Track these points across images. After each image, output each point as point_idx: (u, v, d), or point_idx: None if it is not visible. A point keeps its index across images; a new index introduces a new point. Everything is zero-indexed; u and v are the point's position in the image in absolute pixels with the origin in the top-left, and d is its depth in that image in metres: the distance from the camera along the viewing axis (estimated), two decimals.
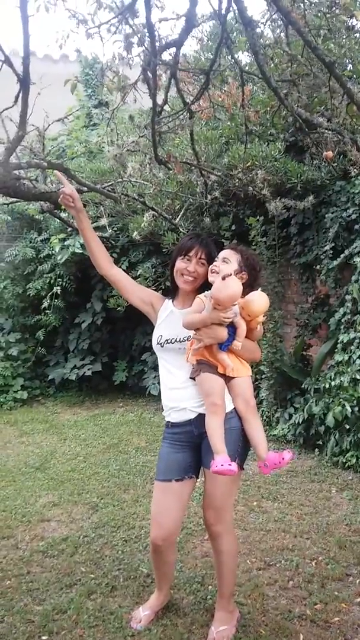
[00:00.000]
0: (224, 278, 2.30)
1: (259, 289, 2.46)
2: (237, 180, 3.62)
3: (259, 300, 2.40)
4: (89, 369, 7.49)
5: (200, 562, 3.30)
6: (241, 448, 2.51)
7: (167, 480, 2.57)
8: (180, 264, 2.58)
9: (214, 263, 2.47)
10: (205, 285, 2.53)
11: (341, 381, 4.69)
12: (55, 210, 3.77)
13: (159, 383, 7.05)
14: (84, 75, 9.11)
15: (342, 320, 4.98)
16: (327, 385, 4.87)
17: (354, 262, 4.81)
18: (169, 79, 3.00)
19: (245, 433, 2.49)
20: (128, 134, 4.27)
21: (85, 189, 3.55)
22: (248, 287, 2.43)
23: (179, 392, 2.55)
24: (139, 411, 6.95)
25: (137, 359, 7.71)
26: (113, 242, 6.68)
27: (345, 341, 4.81)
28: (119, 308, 6.03)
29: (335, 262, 4.99)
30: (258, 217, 5.24)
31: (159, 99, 3.24)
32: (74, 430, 6.24)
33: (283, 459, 2.40)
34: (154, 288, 6.23)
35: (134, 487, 4.51)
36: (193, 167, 3.41)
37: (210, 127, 5.18)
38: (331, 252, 5.05)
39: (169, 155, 2.90)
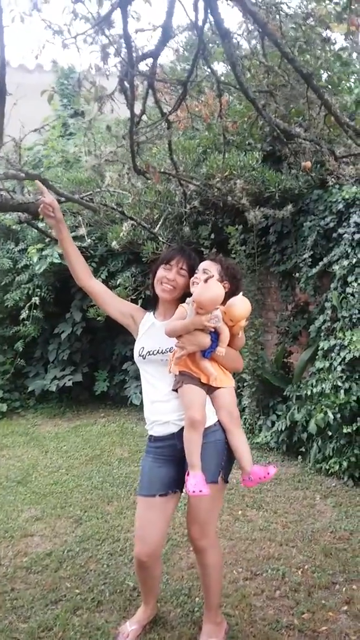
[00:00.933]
0: (206, 280, 2.30)
1: (241, 293, 2.46)
2: (215, 189, 3.63)
3: (241, 304, 2.40)
4: (69, 380, 7.42)
5: (186, 573, 3.28)
6: (225, 462, 2.50)
7: (151, 496, 2.54)
8: (160, 272, 2.57)
9: (195, 275, 2.46)
10: (186, 297, 2.54)
11: (322, 388, 4.71)
12: (33, 221, 3.75)
13: (140, 393, 7.03)
14: (59, 85, 9.09)
15: (322, 327, 5.01)
16: (308, 392, 4.89)
17: (332, 270, 4.85)
18: (146, 90, 3.01)
19: (229, 445, 2.49)
20: (105, 143, 4.26)
21: (63, 199, 3.53)
22: (231, 296, 2.43)
23: (161, 405, 2.53)
24: (120, 421, 6.90)
25: (118, 368, 7.67)
26: (92, 252, 6.65)
27: (325, 348, 4.84)
28: (99, 318, 5.99)
29: (314, 270, 5.03)
30: (237, 226, 5.25)
31: (137, 109, 3.25)
32: (55, 442, 6.17)
33: (268, 473, 2.40)
34: (134, 297, 6.22)
35: (117, 499, 4.47)
36: (171, 177, 3.41)
37: (187, 137, 5.20)
38: (310, 260, 5.08)
39: (147, 165, 2.89)
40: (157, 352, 2.54)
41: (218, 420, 2.48)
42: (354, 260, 4.65)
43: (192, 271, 2.54)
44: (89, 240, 5.36)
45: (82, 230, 4.96)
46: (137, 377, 7.24)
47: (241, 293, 2.46)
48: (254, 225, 5.54)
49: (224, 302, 2.38)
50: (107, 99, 3.15)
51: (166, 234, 5.34)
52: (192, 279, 2.47)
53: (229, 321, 2.40)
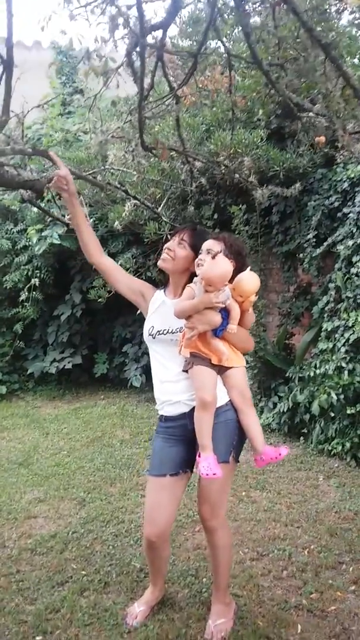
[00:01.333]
0: (213, 257, 2.25)
1: (248, 268, 2.41)
2: (223, 167, 3.55)
3: (250, 278, 2.35)
4: (69, 362, 7.39)
5: (192, 554, 3.27)
6: (237, 441, 2.47)
7: (162, 475, 2.52)
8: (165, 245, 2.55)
9: (199, 256, 2.41)
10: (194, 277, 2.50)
11: (326, 369, 4.69)
12: (37, 200, 3.67)
13: (141, 375, 7.04)
14: (59, 62, 8.92)
15: (326, 308, 4.98)
16: (311, 374, 4.87)
17: (337, 250, 4.80)
18: (155, 63, 2.92)
19: (240, 425, 2.46)
20: (108, 120, 4.18)
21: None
22: (237, 273, 2.38)
23: (172, 385, 2.50)
24: (121, 403, 6.88)
25: (117, 350, 7.63)
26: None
27: (329, 329, 4.81)
28: (99, 299, 5.93)
29: (318, 251, 4.98)
30: (240, 206, 5.19)
31: (145, 84, 3.17)
32: (56, 425, 6.15)
33: (280, 454, 2.38)
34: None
35: (120, 480, 4.46)
36: (179, 154, 3.34)
37: (190, 114, 5.10)
38: (314, 240, 5.03)
39: (156, 141, 2.82)
40: (167, 331, 2.50)
41: (229, 400, 2.45)
42: (359, 240, 4.60)
43: (194, 247, 2.48)
44: (91, 220, 5.27)
45: (85, 210, 4.88)
46: (137, 360, 7.22)
47: (249, 268, 2.41)
48: (257, 205, 5.49)
49: (230, 280, 2.34)
50: (113, 73, 3.08)
51: (169, 214, 5.27)
52: (196, 260, 2.42)
53: (238, 297, 2.35)
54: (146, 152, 3.22)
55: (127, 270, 6.17)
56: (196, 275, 2.45)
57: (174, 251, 2.51)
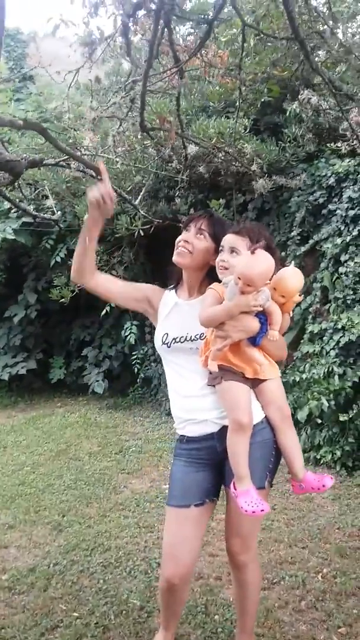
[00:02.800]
0: (253, 251, 1.90)
1: (292, 263, 2.07)
2: (223, 153, 3.22)
3: (295, 275, 2.00)
4: (22, 367, 6.86)
5: (196, 586, 2.91)
6: (273, 464, 2.12)
7: (185, 506, 2.12)
8: (180, 235, 2.16)
9: (220, 256, 2.05)
10: (211, 274, 2.14)
11: (313, 374, 4.45)
12: (10, 184, 3.22)
13: (103, 380, 6.59)
14: (5, 47, 8.34)
15: (310, 309, 4.74)
16: (297, 379, 4.62)
17: (323, 248, 4.57)
18: (161, 29, 2.55)
19: (277, 445, 2.12)
20: (84, 101, 3.77)
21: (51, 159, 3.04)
22: None
23: (196, 400, 2.11)
24: (81, 411, 6.43)
25: (75, 354, 7.17)
26: (60, 226, 6.06)
27: (315, 331, 4.57)
28: (62, 300, 5.46)
29: (303, 249, 4.74)
30: (220, 200, 4.87)
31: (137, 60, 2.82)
32: (13, 436, 5.64)
33: (324, 486, 2.05)
34: None
35: (97, 499, 4.04)
36: (179, 137, 2.98)
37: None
38: (298, 238, 4.79)
39: (162, 119, 2.44)
40: (185, 339, 2.12)
41: (265, 417, 2.11)
42: (348, 238, 4.38)
43: (215, 237, 2.13)
44: (59, 212, 4.81)
45: (51, 201, 4.43)
46: (98, 364, 6.78)
47: (292, 263, 2.08)
48: (233, 201, 5.21)
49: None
50: (112, 37, 2.70)
51: (141, 208, 4.89)
52: (217, 260, 2.06)
53: (280, 298, 1.99)
54: (143, 132, 2.85)
55: None
56: (213, 271, 2.11)
57: (192, 243, 2.14)
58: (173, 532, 2.15)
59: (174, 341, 2.14)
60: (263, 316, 1.97)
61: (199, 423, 2.11)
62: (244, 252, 1.98)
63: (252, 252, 1.88)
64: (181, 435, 2.19)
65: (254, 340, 1.98)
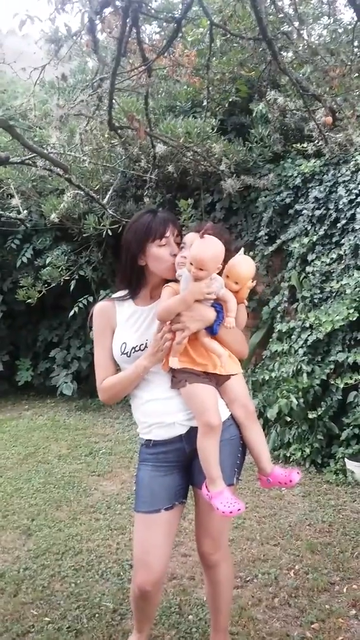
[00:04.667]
0: (202, 235, 1.90)
1: (242, 250, 2.09)
2: (191, 152, 3.22)
3: (246, 261, 2.03)
4: None
5: (169, 586, 2.90)
6: (240, 460, 2.14)
7: (155, 511, 2.09)
8: (159, 251, 2.07)
9: (181, 253, 2.04)
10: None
11: (282, 372, 4.49)
12: None
13: (72, 382, 6.51)
14: None
15: (278, 309, 4.78)
16: (266, 377, 4.65)
17: (290, 248, 4.62)
18: (129, 27, 2.53)
19: (243, 442, 2.13)
20: (50, 98, 3.72)
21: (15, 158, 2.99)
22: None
23: (162, 404, 2.07)
24: (49, 414, 6.34)
25: (42, 356, 7.07)
26: (27, 225, 5.96)
27: (283, 330, 4.61)
28: (29, 300, 5.37)
29: (270, 249, 4.78)
30: (188, 200, 4.87)
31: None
32: None
33: (290, 481, 2.07)
34: (67, 277, 5.67)
35: (67, 502, 3.99)
36: (148, 136, 2.96)
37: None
38: (266, 238, 4.82)
39: (132, 117, 2.42)
40: (146, 346, 2.07)
41: (230, 415, 2.11)
42: (315, 238, 4.44)
43: (181, 235, 2.13)
44: (25, 211, 4.74)
45: (16, 201, 4.36)
46: (66, 365, 6.71)
47: (242, 250, 2.10)
48: (201, 201, 5.22)
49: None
50: (78, 35, 2.66)
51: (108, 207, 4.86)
52: (176, 259, 2.05)
53: (233, 285, 2.01)
54: (112, 130, 2.82)
55: (57, 268, 5.67)
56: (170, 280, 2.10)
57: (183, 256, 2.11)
58: (143, 539, 2.11)
59: (133, 350, 2.08)
60: (218, 305, 1.98)
61: (167, 426, 2.08)
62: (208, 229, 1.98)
63: (201, 237, 1.89)
64: (147, 440, 2.15)
65: (211, 330, 1.98)
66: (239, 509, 1.85)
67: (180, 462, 2.10)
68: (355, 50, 2.39)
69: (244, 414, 2.11)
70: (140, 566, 2.11)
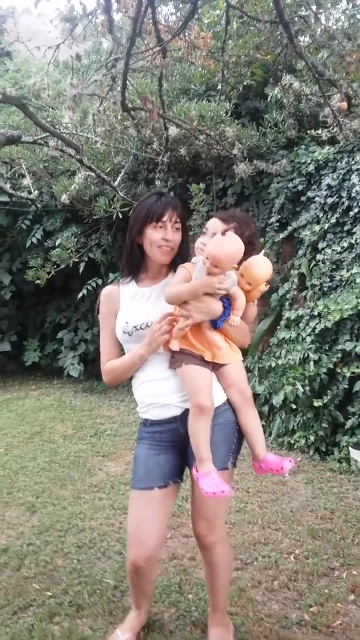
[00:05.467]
0: (223, 233, 1.89)
1: (262, 252, 2.07)
2: (204, 135, 3.20)
3: (263, 264, 2.00)
4: None
5: (169, 565, 2.94)
6: (236, 445, 2.14)
7: (148, 489, 2.13)
8: (154, 234, 2.10)
9: (201, 239, 2.05)
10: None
11: (288, 360, 4.49)
12: None
13: (78, 363, 6.56)
14: None
15: (287, 296, 4.77)
16: (272, 364, 4.66)
17: (301, 235, 4.60)
18: (145, 7, 2.51)
19: (239, 427, 2.14)
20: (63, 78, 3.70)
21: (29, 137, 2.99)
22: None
23: (159, 384, 2.11)
24: (56, 394, 6.39)
25: (50, 337, 7.11)
26: (37, 206, 5.96)
27: (292, 318, 4.61)
28: (37, 281, 5.41)
29: (281, 235, 4.76)
30: (200, 185, 4.86)
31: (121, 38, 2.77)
32: None
33: (282, 468, 2.08)
34: (77, 259, 5.68)
35: (71, 481, 4.03)
36: (161, 118, 2.95)
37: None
38: (277, 224, 4.80)
39: (144, 98, 2.41)
40: (147, 325, 2.08)
41: (227, 399, 2.12)
42: (326, 226, 4.41)
43: (183, 221, 2.14)
44: (36, 192, 4.74)
45: (28, 181, 4.36)
46: (73, 347, 6.74)
47: (262, 252, 2.08)
48: (213, 186, 5.19)
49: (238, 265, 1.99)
50: (83, 19, 2.66)
51: (120, 190, 4.85)
52: (197, 243, 2.06)
53: (246, 285, 2.00)
54: (124, 111, 2.81)
55: (67, 249, 5.69)
56: (179, 260, 2.12)
57: (174, 240, 2.12)
58: (137, 515, 2.15)
59: (134, 329, 2.11)
60: (227, 300, 1.98)
61: (162, 407, 2.11)
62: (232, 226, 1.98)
63: (223, 234, 1.88)
64: (145, 419, 2.19)
65: (215, 324, 1.98)
66: (222, 491, 1.87)
67: (174, 442, 2.13)
68: None
69: (240, 399, 2.12)
70: (133, 542, 2.16)
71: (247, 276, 1.98)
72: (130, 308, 2.16)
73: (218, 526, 2.21)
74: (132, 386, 2.25)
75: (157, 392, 2.12)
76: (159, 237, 2.09)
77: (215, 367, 2.06)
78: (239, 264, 1.97)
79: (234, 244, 1.89)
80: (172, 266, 2.18)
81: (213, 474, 1.93)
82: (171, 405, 2.10)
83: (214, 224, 2.04)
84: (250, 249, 2.00)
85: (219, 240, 1.88)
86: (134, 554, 2.14)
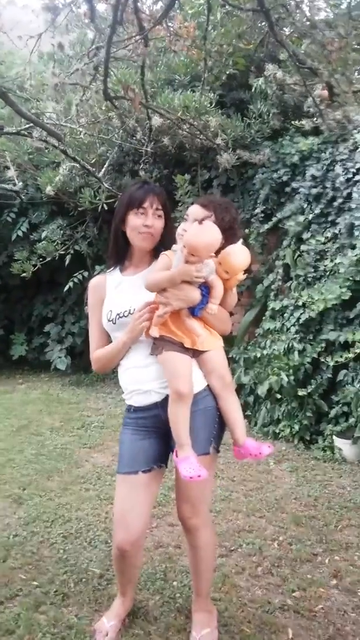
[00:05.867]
0: (201, 222, 1.90)
1: (240, 241, 2.08)
2: (188, 126, 3.20)
3: (241, 252, 2.01)
4: None
5: (155, 554, 2.96)
6: (217, 430, 2.16)
7: (133, 473, 2.16)
8: (135, 220, 2.12)
9: (182, 225, 2.06)
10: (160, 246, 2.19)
11: (273, 350, 4.52)
12: None
13: (65, 357, 6.56)
14: None
15: (272, 287, 4.80)
16: (257, 355, 4.68)
17: (286, 226, 4.61)
18: None
19: (220, 412, 2.16)
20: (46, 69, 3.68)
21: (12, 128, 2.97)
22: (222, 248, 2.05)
23: (140, 371, 2.14)
24: (43, 388, 6.39)
25: (37, 331, 7.09)
26: (22, 198, 5.93)
27: (277, 309, 4.63)
28: (23, 274, 5.39)
29: (266, 226, 4.77)
30: (185, 176, 4.86)
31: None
32: None
33: (260, 453, 2.10)
34: (62, 252, 5.67)
35: (58, 473, 4.04)
36: (144, 107, 2.95)
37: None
38: (262, 215, 4.82)
39: (126, 86, 2.41)
40: (130, 312, 2.12)
41: (207, 385, 2.14)
42: (310, 217, 4.44)
43: (166, 210, 2.17)
44: (21, 184, 4.72)
45: (12, 172, 4.34)
46: (60, 340, 6.74)
47: (240, 241, 2.09)
48: (198, 177, 5.20)
49: (216, 254, 2.01)
50: (65, 8, 2.65)
51: (105, 182, 4.84)
52: (178, 230, 2.07)
53: (223, 274, 2.01)
54: (107, 100, 2.80)
55: (53, 242, 5.67)
56: (163, 241, 2.15)
57: (154, 226, 2.14)
58: (122, 499, 2.19)
59: (118, 317, 2.15)
60: (205, 288, 1.99)
61: (144, 393, 2.14)
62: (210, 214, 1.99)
63: (200, 223, 1.89)
64: (129, 405, 2.23)
65: (193, 311, 2.00)
66: (199, 475, 1.90)
67: (157, 427, 2.16)
68: (355, 23, 2.37)
69: (220, 384, 2.14)
70: (119, 526, 2.19)
71: (225, 265, 1.99)
72: (114, 296, 2.20)
73: (201, 510, 2.23)
74: (117, 374, 2.28)
75: (139, 379, 2.15)
76: (140, 223, 2.12)
77: (196, 353, 2.07)
78: (219, 250, 1.98)
79: (210, 233, 1.90)
80: (156, 254, 2.20)
81: (192, 458, 1.96)
82: (152, 392, 2.12)
83: (194, 209, 2.06)
84: (231, 234, 2.02)
85: (195, 229, 1.89)
86: (119, 538, 2.18)
